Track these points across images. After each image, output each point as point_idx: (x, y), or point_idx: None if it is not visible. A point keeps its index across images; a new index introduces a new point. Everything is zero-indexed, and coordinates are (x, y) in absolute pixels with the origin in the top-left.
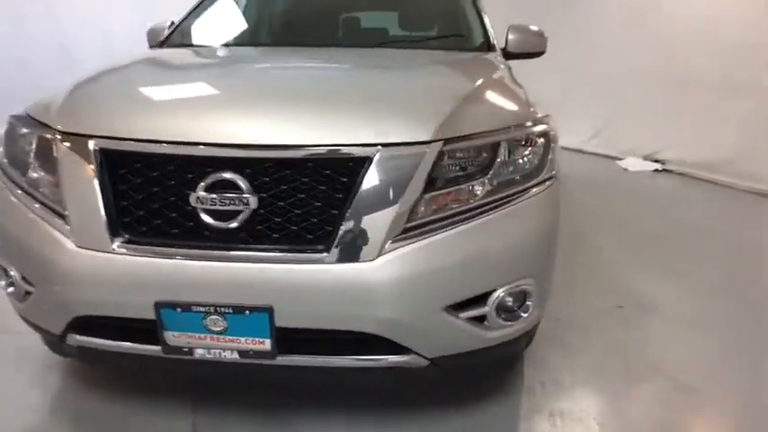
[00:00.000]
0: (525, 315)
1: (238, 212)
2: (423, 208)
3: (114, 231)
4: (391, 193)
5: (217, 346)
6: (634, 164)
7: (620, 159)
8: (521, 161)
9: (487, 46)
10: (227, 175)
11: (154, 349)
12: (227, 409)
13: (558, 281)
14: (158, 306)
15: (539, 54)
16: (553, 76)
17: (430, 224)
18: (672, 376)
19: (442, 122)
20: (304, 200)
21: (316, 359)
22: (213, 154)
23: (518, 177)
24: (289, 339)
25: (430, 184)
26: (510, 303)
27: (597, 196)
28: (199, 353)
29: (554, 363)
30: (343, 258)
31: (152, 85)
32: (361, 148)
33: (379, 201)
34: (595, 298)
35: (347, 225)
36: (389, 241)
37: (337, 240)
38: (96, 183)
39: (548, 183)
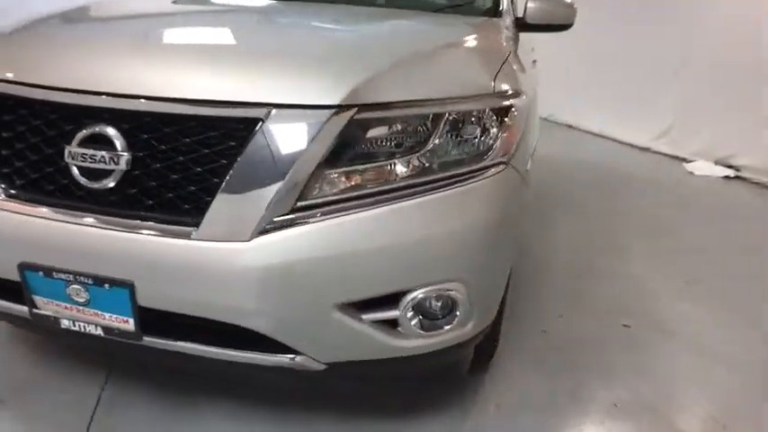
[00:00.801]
0: (448, 327)
1: (111, 172)
2: (322, 185)
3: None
4: (280, 164)
5: (81, 318)
6: (702, 168)
7: (688, 162)
8: (465, 140)
9: (495, 11)
10: (102, 129)
11: (24, 311)
12: (139, 385)
13: (562, 287)
14: (22, 268)
15: (564, 27)
16: (619, 64)
17: (329, 205)
18: (670, 420)
19: (358, 85)
20: (183, 164)
21: (191, 347)
22: (88, 103)
23: (457, 159)
24: (157, 321)
25: (334, 156)
26: (431, 310)
27: (647, 200)
28: (65, 323)
29: (522, 383)
30: (212, 236)
31: (43, 31)
32: (250, 108)
33: (265, 172)
34: (600, 312)
35: (222, 197)
36: (271, 221)
37: (209, 214)
38: None
39: (494, 170)
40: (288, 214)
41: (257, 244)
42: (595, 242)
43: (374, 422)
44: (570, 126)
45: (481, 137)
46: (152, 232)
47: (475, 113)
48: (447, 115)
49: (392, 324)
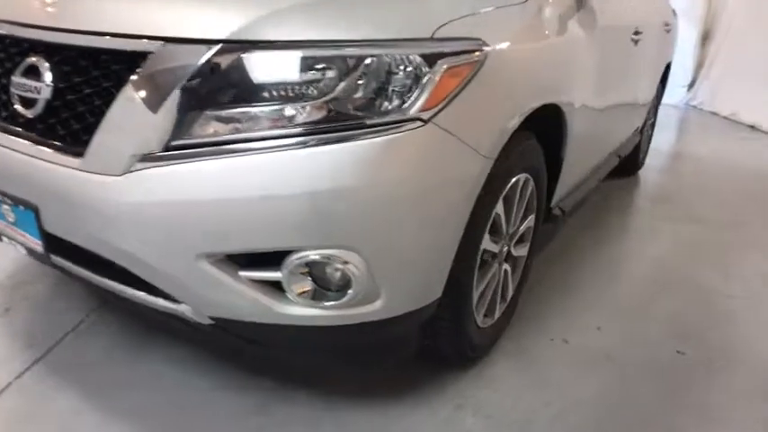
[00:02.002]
0: (343, 300)
1: (36, 101)
2: (201, 125)
3: None
4: (158, 100)
5: (12, 236)
6: None
7: None
8: (377, 89)
9: None
10: (34, 60)
11: None
12: (121, 319)
13: (619, 297)
14: None
15: None
16: None
17: (205, 146)
18: None
19: (249, 21)
20: (87, 96)
21: (94, 278)
22: (28, 36)
23: (361, 110)
24: (63, 248)
25: (217, 96)
26: (323, 278)
27: None
28: (5, 240)
29: (507, 392)
30: (92, 167)
31: None
32: (142, 40)
33: (143, 106)
34: (654, 330)
35: (103, 129)
36: (143, 157)
37: (91, 146)
38: None
39: (407, 127)
40: (160, 152)
41: (127, 179)
42: (704, 256)
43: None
44: (753, 127)
45: (397, 87)
46: (54, 160)
47: (393, 60)
48: (355, 60)
49: (278, 287)
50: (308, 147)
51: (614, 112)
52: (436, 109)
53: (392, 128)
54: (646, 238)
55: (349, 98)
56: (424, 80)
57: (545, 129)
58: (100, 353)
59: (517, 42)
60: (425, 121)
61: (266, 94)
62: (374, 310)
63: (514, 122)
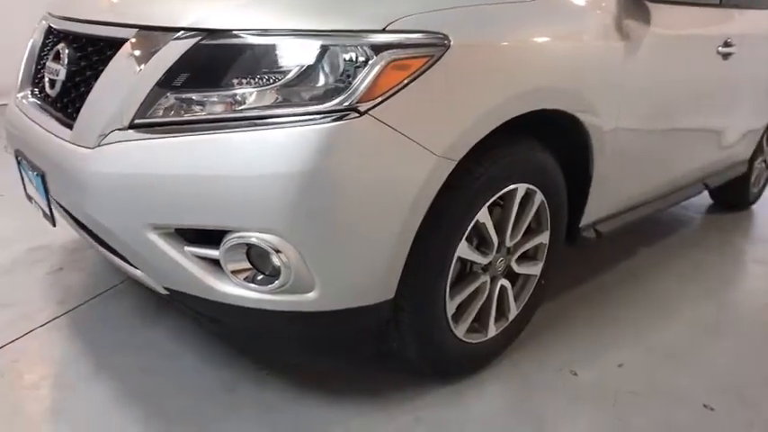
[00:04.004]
0: (268, 286)
1: (56, 82)
2: (161, 106)
3: (24, 86)
4: (126, 81)
5: (38, 200)
6: None
7: None
8: (321, 78)
9: None
10: (59, 47)
11: None
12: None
13: (655, 335)
14: (17, 155)
15: None
16: None
17: (162, 125)
18: None
19: (209, 11)
20: (85, 77)
21: (90, 242)
22: (57, 26)
23: (303, 97)
24: (63, 211)
25: (175, 79)
26: (258, 260)
27: None
28: (35, 203)
29: (482, 415)
30: (76, 139)
31: None
32: (120, 28)
33: (115, 87)
34: (685, 376)
35: (87, 106)
36: (110, 132)
37: (77, 121)
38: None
39: (340, 116)
40: (125, 129)
41: (97, 152)
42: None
43: (297, 392)
44: None
45: (340, 78)
46: (57, 133)
47: (339, 50)
48: (302, 49)
49: (217, 264)
50: (246, 131)
51: (686, 135)
52: (376, 101)
53: (327, 117)
54: (724, 279)
55: (295, 86)
56: (364, 71)
57: (564, 142)
58: (115, 316)
59: (501, 41)
60: (362, 113)
61: (219, 80)
62: (308, 300)
63: (488, 125)
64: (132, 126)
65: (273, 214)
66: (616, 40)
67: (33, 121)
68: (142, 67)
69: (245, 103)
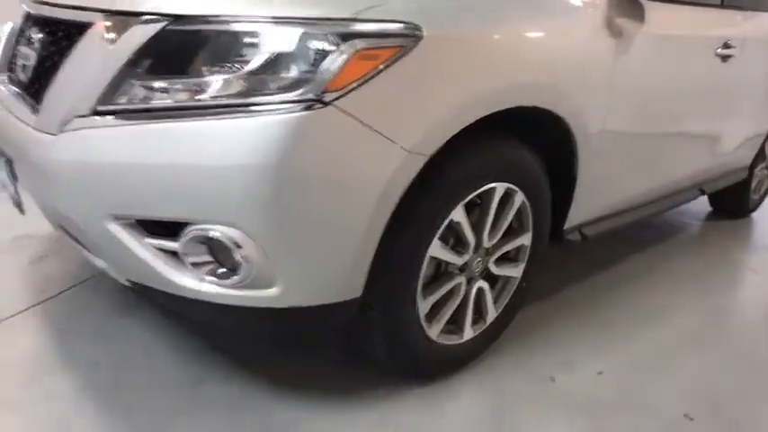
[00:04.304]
0: (229, 280)
1: (28, 67)
2: (124, 92)
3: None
4: (89, 67)
5: (6, 186)
6: None
7: None
8: (287, 67)
9: None
10: (31, 32)
11: None
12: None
13: (643, 345)
14: None
15: None
16: None
17: (125, 113)
18: None
19: None
20: (53, 63)
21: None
22: (29, 10)
23: (272, 88)
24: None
25: (139, 66)
26: (219, 254)
27: None
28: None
29: (442, 417)
30: (39, 126)
31: None
32: (84, 12)
33: (78, 72)
34: (667, 386)
35: (50, 92)
36: (72, 119)
37: (41, 107)
38: None
39: (303, 106)
40: (88, 116)
41: (59, 139)
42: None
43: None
44: None
45: (305, 66)
46: (25, 119)
47: (306, 38)
48: (268, 36)
49: (176, 257)
50: (208, 121)
51: (680, 139)
52: (342, 92)
53: (291, 108)
54: (717, 287)
55: (260, 75)
56: (330, 60)
57: (548, 142)
58: (93, 306)
59: (478, 34)
60: (327, 104)
61: (183, 67)
62: (269, 296)
63: (461, 121)
64: (95, 113)
65: (233, 207)
66: (606, 37)
67: (5, 107)
68: (106, 52)
69: (208, 91)
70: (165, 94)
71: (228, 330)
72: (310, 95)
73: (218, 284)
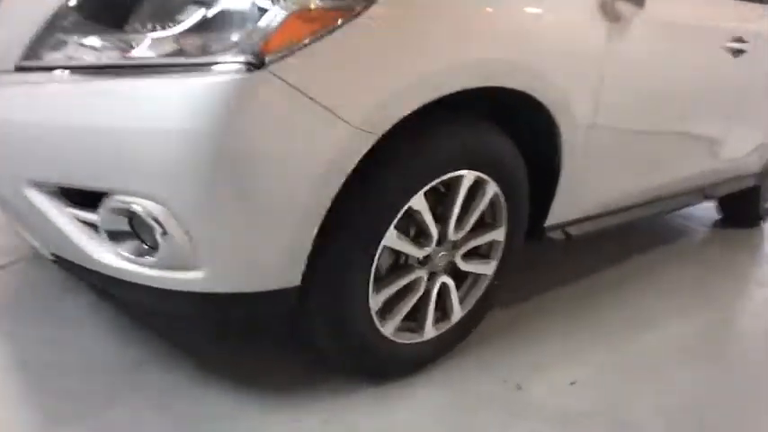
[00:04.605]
0: (149, 259)
1: None
2: (50, 49)
3: None
4: (15, 21)
5: None
6: None
7: None
8: (223, 28)
9: None
10: None
11: None
12: None
13: (618, 348)
14: None
15: None
16: None
17: (48, 70)
18: None
19: None
20: None
21: None
22: None
23: (204, 48)
24: None
25: (64, 22)
26: (141, 230)
27: None
28: None
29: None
30: None
31: None
32: None
33: (4, 26)
34: (645, 401)
35: None
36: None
37: None
38: None
39: (233, 69)
40: (10, 72)
41: None
42: None
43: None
44: None
45: (238, 26)
46: None
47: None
48: None
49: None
50: (134, 81)
51: (680, 139)
52: (277, 55)
53: (220, 70)
54: (716, 299)
55: (191, 34)
56: (265, 20)
57: (529, 130)
58: (35, 283)
59: (441, 1)
60: (260, 67)
61: (112, 23)
62: (194, 279)
63: (419, 97)
64: (18, 69)
65: (151, 177)
66: (600, 19)
67: None
68: (32, 4)
69: (138, 49)
70: (92, 51)
71: (150, 313)
72: (243, 58)
73: (135, 263)
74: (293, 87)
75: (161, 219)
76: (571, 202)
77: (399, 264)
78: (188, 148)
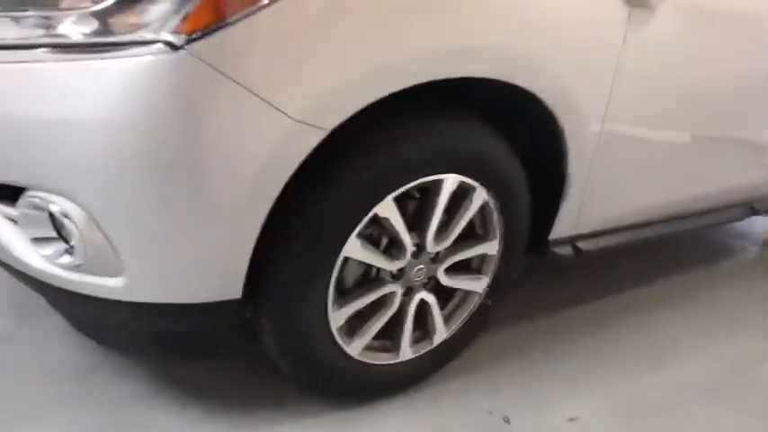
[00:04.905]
0: (66, 261)
1: None
2: None
3: None
4: None
5: None
6: None
7: None
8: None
9: None
10: None
11: None
12: None
13: (629, 381)
14: None
15: None
16: None
17: None
18: None
19: None
20: None
21: None
22: None
23: (118, 25)
24: None
25: None
26: (55, 228)
27: None
28: None
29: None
30: None
31: None
32: None
33: None
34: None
35: None
36: None
37: None
38: None
39: (146, 50)
40: None
41: None
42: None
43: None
44: None
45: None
46: None
47: None
48: None
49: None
50: (46, 63)
51: (718, 144)
52: (200, 34)
53: (134, 51)
54: (755, 332)
55: (108, 11)
56: None
57: (529, 130)
58: None
59: None
60: (179, 48)
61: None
62: (113, 286)
63: (379, 88)
64: None
65: (66, 172)
66: (619, 4)
67: None
68: None
69: (51, 28)
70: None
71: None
72: (160, 37)
73: (56, 265)
74: (220, 72)
75: (75, 219)
76: (582, 214)
77: (370, 277)
78: (99, 142)
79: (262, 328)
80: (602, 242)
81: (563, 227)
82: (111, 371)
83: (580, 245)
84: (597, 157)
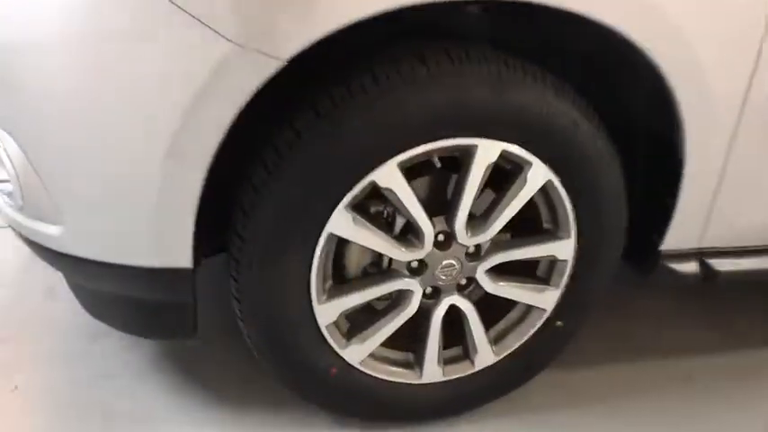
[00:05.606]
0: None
1: None
2: None
3: None
4: None
5: None
6: None
7: None
8: None
9: None
10: None
11: None
12: None
13: None
14: None
15: None
16: None
17: None
18: None
19: None
20: None
21: None
22: None
23: None
24: None
25: None
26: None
27: None
28: None
29: None
30: None
31: None
32: None
33: None
34: None
35: None
36: None
37: None
38: None
39: None
40: None
41: None
42: None
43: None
44: None
45: None
46: None
47: None
48: None
49: None
50: None
51: None
52: None
53: None
54: None
55: None
56: None
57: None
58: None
59: None
60: None
61: None
62: (49, 234)
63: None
64: None
65: (4, 106)
66: None
67: None
68: None
69: None
70: None
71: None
72: None
73: (7, 205)
74: None
75: (13, 158)
76: (713, 217)
77: (381, 268)
78: (19, 66)
79: (235, 311)
80: (751, 264)
81: (681, 235)
82: (119, 341)
83: (712, 263)
84: (730, 137)
